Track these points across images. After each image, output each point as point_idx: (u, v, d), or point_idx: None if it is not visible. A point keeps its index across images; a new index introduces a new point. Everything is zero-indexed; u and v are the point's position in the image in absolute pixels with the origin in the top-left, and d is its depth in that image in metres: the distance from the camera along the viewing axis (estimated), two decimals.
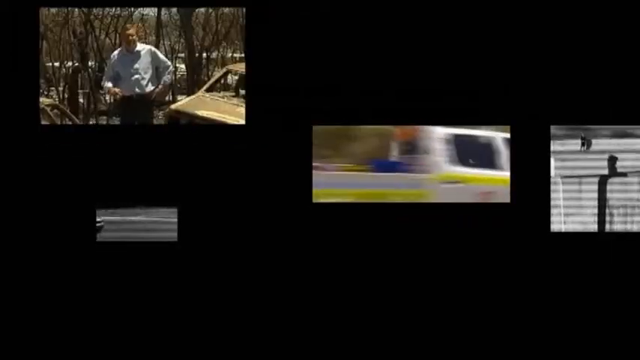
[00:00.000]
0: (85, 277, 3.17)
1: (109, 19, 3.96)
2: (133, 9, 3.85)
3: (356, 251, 3.06)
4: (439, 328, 3.13)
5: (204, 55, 4.07)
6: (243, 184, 3.10)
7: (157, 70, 3.91)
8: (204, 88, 3.98)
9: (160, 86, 3.92)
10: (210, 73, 4.07)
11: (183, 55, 4.10)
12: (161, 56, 3.94)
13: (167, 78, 3.93)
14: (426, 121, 3.08)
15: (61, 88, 3.99)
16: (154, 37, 4.02)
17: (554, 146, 3.31)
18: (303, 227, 3.07)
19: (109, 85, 3.93)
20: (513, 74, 3.10)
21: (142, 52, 3.93)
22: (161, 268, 3.17)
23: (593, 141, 3.36)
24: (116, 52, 3.93)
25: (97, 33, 4.01)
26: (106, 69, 3.92)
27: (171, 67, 3.94)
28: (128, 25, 3.91)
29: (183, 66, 4.11)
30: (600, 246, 3.15)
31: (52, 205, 3.15)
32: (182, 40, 4.07)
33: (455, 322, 3.14)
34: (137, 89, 3.92)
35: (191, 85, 4.04)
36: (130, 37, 3.93)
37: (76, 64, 4.05)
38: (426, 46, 3.08)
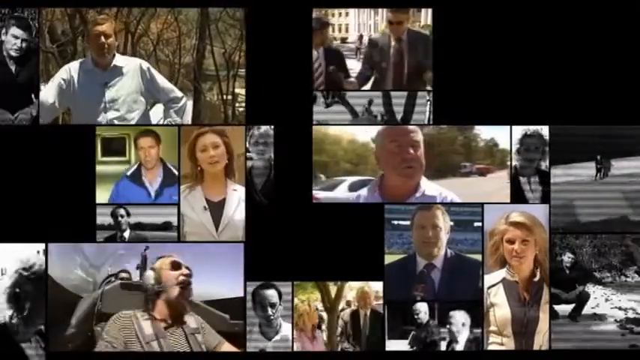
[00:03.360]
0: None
1: (114, 9, 2.92)
2: None
3: (355, 251, 3.35)
4: None
5: None
6: (242, 183, 3.40)
7: (155, 103, 3.01)
8: None
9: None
10: None
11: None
12: (160, 80, 3.00)
13: (174, 120, 2.98)
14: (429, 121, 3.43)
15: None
16: (194, 40, 3.03)
17: (558, 177, 3.08)
18: (303, 227, 3.31)
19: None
20: (513, 74, 3.36)
21: (124, 70, 2.94)
22: None
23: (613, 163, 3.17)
24: (75, 64, 2.92)
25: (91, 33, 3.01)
26: (45, 88, 2.84)
27: (184, 100, 3.02)
28: (100, 18, 2.88)
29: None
30: None
31: (52, 204, 3.23)
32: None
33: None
34: None
35: None
36: (103, 41, 2.87)
37: None
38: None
